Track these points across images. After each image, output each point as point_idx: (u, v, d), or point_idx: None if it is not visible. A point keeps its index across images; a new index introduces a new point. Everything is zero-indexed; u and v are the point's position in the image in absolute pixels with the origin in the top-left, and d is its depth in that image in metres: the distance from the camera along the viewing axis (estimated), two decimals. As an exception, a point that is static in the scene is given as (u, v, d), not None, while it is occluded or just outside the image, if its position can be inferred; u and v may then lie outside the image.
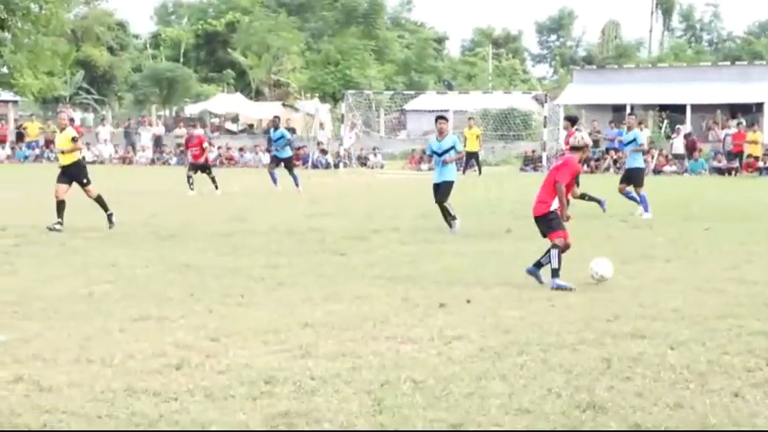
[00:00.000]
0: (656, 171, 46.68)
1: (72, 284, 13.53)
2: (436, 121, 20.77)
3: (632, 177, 24.28)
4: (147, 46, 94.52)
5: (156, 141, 56.79)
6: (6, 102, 69.47)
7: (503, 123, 58.71)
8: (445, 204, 20.04)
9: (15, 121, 66.19)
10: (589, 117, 55.53)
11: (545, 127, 51.24)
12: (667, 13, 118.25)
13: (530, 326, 10.76)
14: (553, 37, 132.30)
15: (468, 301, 12.27)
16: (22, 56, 63.94)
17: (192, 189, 31.18)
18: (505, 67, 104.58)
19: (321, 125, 55.04)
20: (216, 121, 67.37)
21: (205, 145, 33.44)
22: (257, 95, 77.26)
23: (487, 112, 60.58)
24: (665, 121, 57.51)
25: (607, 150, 49.65)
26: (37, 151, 56.47)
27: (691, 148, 49.30)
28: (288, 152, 32.95)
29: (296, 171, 32.98)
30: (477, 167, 45.30)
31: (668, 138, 53.12)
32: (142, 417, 7.48)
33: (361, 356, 9.35)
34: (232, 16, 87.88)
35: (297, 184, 31.74)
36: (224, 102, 68.75)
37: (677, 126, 52.89)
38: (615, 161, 48.32)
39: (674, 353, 9.51)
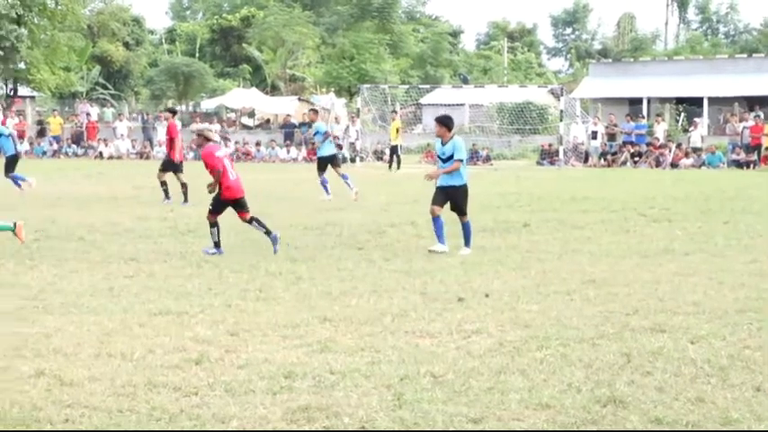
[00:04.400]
0: (674, 164, 46.54)
1: (92, 279, 13.58)
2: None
3: None
4: (163, 41, 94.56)
5: (172, 136, 56.73)
6: (24, 97, 69.64)
7: (519, 117, 58.57)
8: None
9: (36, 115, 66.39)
10: (605, 110, 55.33)
11: (561, 121, 51.12)
12: (683, 5, 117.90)
13: (549, 320, 10.75)
14: (568, 30, 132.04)
15: (487, 296, 12.27)
16: (39, 51, 64.12)
17: None
18: (521, 61, 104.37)
19: (336, 119, 54.94)
20: (232, 115, 67.34)
21: None
22: (273, 90, 77.16)
23: (503, 106, 60.48)
24: (682, 114, 57.34)
25: (624, 144, 49.47)
26: (55, 146, 56.57)
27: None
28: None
29: None
30: (397, 161, 44.14)
31: (685, 131, 52.95)
32: (162, 411, 7.51)
33: (380, 351, 9.36)
34: (247, 11, 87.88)
35: None
36: (240, 96, 68.67)
37: (694, 119, 52.74)
38: (632, 155, 48.20)
39: (695, 347, 9.49)
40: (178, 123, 27.88)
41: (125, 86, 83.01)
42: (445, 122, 16.69)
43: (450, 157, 16.49)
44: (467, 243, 16.61)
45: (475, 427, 7.24)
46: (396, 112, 50.08)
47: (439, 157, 16.86)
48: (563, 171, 44.49)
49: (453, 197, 16.60)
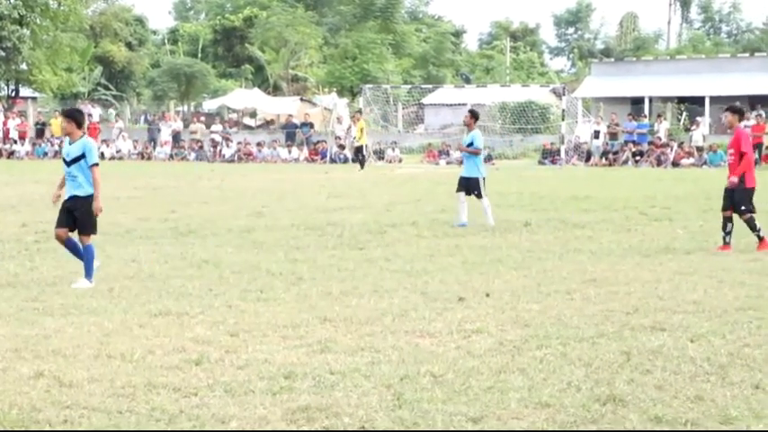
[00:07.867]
0: (675, 163, 46.53)
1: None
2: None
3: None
4: (166, 41, 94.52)
5: (174, 137, 56.81)
6: (26, 98, 69.69)
7: (521, 116, 58.49)
8: None
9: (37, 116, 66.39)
10: (607, 110, 55.38)
11: (563, 120, 51.15)
12: (686, 4, 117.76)
13: (549, 319, 10.75)
14: (571, 30, 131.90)
15: (488, 295, 12.26)
16: (41, 52, 64.16)
17: None
18: (523, 61, 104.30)
19: (339, 119, 54.98)
20: (234, 116, 67.39)
21: None
22: (275, 90, 77.13)
23: (505, 106, 60.41)
24: (684, 114, 57.35)
25: (625, 143, 49.48)
26: (56, 147, 56.57)
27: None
28: None
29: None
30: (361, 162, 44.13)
31: (687, 130, 52.97)
32: (162, 412, 7.50)
33: (380, 351, 9.36)
34: (250, 11, 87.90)
35: None
36: (242, 97, 68.68)
37: (696, 118, 52.75)
38: (634, 154, 48.22)
39: (694, 345, 9.49)
40: None
41: (127, 87, 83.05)
42: (74, 117, 13.75)
43: (76, 160, 13.53)
44: (87, 273, 13.36)
45: (474, 427, 7.24)
46: (360, 112, 49.90)
47: (64, 159, 13.81)
48: (564, 170, 44.48)
49: (74, 209, 13.72)
